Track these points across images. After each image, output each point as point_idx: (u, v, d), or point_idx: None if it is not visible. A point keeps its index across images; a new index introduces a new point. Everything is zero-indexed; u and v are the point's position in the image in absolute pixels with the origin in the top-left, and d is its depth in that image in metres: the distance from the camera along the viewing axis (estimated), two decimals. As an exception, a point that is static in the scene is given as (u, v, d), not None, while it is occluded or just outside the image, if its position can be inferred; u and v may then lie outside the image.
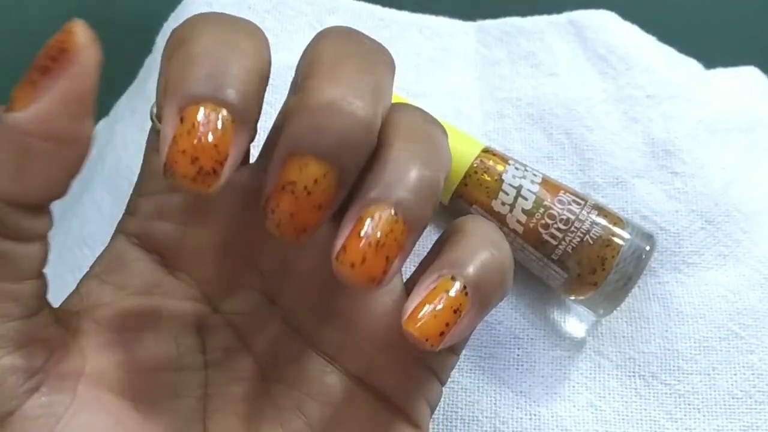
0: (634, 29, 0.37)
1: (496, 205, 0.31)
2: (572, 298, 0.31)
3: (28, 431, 0.17)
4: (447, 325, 0.19)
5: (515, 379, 0.31)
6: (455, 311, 0.19)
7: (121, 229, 0.21)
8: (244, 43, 0.17)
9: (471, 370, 0.31)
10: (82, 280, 0.21)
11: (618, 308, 0.31)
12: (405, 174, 0.18)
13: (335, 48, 0.19)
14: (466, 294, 0.19)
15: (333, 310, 0.22)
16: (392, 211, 0.18)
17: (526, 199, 0.30)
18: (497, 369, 0.31)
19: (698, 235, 0.33)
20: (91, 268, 0.21)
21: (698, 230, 0.33)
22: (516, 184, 0.31)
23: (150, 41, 0.38)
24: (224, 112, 0.16)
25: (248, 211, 0.20)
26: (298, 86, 0.18)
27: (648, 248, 0.30)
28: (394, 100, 0.20)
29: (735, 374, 0.31)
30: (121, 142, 0.36)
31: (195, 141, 0.16)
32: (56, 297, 0.20)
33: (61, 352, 0.19)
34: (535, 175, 0.31)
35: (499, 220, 0.31)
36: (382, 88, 0.19)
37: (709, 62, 0.37)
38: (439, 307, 0.19)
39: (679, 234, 0.33)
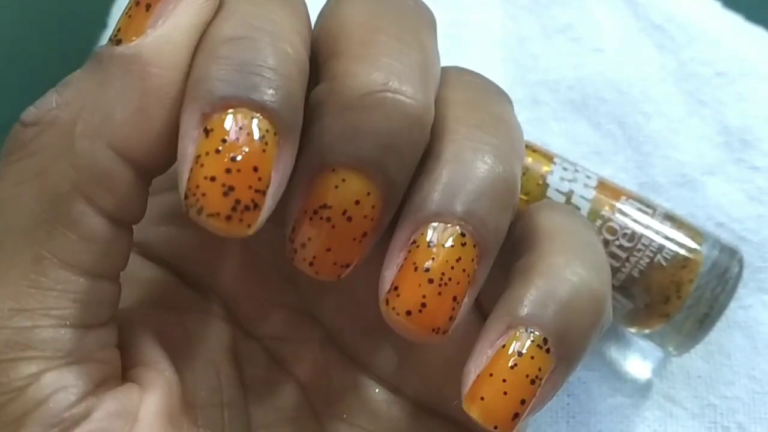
0: (695, -8, 0.32)
1: (539, 217, 0.24)
2: (635, 331, 0.25)
3: None
4: (522, 402, 0.15)
5: (566, 435, 0.26)
6: (533, 381, 0.15)
7: (137, 248, 0.19)
8: (283, 20, 0.15)
9: (510, 425, 0.26)
10: None
11: (696, 345, 0.25)
12: (471, 175, 0.15)
13: (364, 12, 0.16)
14: (549, 350, 0.15)
15: (382, 326, 0.18)
16: (459, 230, 0.15)
17: (578, 208, 0.24)
18: (542, 423, 0.26)
19: (787, 245, 0.28)
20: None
21: (787, 239, 0.28)
22: (565, 189, 0.24)
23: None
24: (263, 121, 0.13)
25: (277, 213, 0.16)
26: (321, 70, 0.15)
27: (736, 269, 0.24)
28: None
29: (841, 422, 0.26)
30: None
31: (229, 164, 0.13)
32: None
33: (119, 379, 0.16)
34: (588, 177, 0.25)
35: (544, 236, 0.25)
36: (431, 61, 0.15)
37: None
38: (510, 378, 0.15)
39: (764, 244, 0.28)
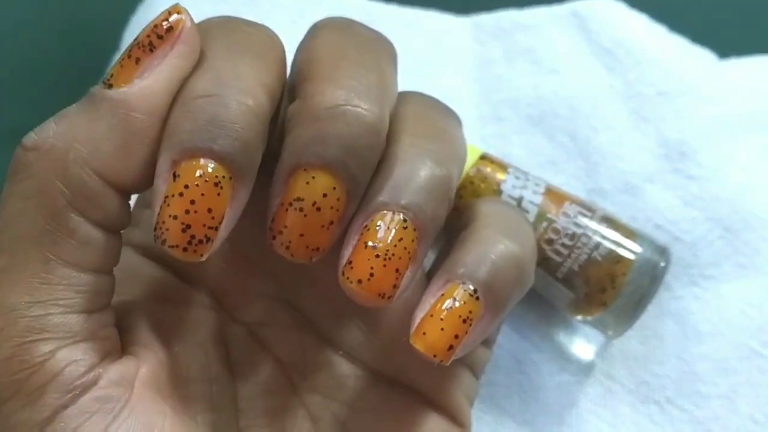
0: (643, 19, 0.34)
1: (494, 219, 0.28)
2: (579, 318, 0.29)
3: (83, 426, 0.16)
4: (456, 337, 0.17)
5: (517, 407, 0.29)
6: (465, 320, 0.17)
7: (126, 241, 0.20)
8: (250, 71, 0.17)
9: (470, 398, 0.29)
10: None
11: (630, 329, 0.28)
12: (414, 174, 0.17)
13: (332, 43, 0.18)
14: (477, 298, 0.18)
15: (354, 311, 0.21)
16: (402, 217, 0.17)
17: (527, 211, 0.28)
18: (497, 397, 0.29)
19: (716, 244, 0.30)
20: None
21: (716, 239, 0.30)
22: (516, 195, 0.28)
23: (118, 38, 0.35)
24: (220, 169, 0.16)
25: (258, 216, 0.19)
26: (296, 90, 0.18)
27: (663, 264, 0.27)
28: None
29: (757, 397, 0.29)
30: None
31: (188, 206, 0.16)
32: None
33: (118, 353, 0.18)
34: (537, 184, 0.28)
35: (498, 235, 0.28)
36: (387, 82, 0.18)
37: (724, 50, 0.34)
38: (446, 317, 0.17)
39: (696, 244, 0.30)
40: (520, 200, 0.28)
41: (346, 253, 0.17)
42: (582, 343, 0.30)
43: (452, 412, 0.21)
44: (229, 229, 0.16)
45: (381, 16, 0.34)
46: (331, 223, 0.17)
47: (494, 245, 0.18)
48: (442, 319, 0.17)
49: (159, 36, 0.16)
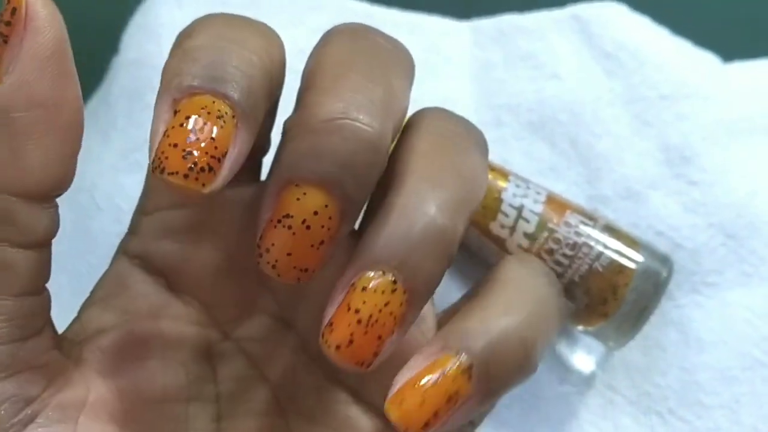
0: (645, 22, 0.33)
1: (494, 227, 0.28)
2: (580, 328, 0.28)
3: None
4: (435, 415, 0.16)
5: (517, 418, 0.29)
6: (449, 399, 0.16)
7: (123, 250, 0.20)
8: (251, 40, 0.16)
9: (470, 409, 0.29)
10: (82, 307, 0.19)
11: (632, 340, 0.28)
12: (412, 228, 0.16)
13: (340, 51, 0.17)
14: (470, 378, 0.16)
15: None
16: (391, 278, 0.15)
17: (528, 221, 0.27)
18: (497, 407, 0.28)
19: (719, 251, 0.30)
20: (92, 293, 0.19)
21: (719, 246, 0.30)
22: (517, 204, 0.28)
23: (116, 41, 0.35)
24: (223, 105, 0.15)
25: (255, 229, 0.18)
26: (297, 100, 0.17)
27: (665, 274, 0.27)
28: None
29: (760, 407, 0.29)
30: (82, 154, 0.33)
31: (189, 134, 0.15)
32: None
33: (62, 380, 0.17)
34: (538, 193, 0.28)
35: (498, 244, 0.28)
36: (394, 97, 0.16)
37: (728, 53, 0.34)
38: (429, 389, 0.16)
39: (698, 251, 0.30)
40: (520, 209, 0.27)
41: (329, 312, 0.16)
42: (583, 354, 0.30)
43: None
44: (233, 172, 0.15)
45: (382, 20, 0.34)
46: (322, 242, 0.16)
47: (504, 317, 0.17)
48: (425, 391, 0.16)
49: (7, 23, 0.14)
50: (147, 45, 0.31)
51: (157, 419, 0.19)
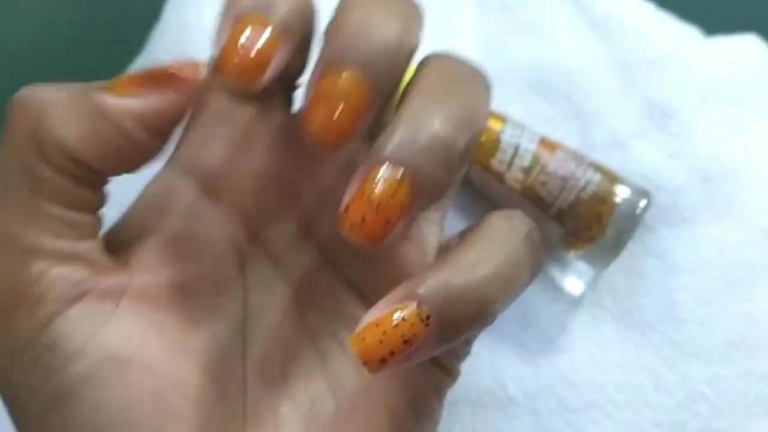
0: (633, -4, 0.37)
1: (494, 163, 0.32)
2: (571, 253, 0.32)
3: (72, 332, 0.19)
4: (392, 353, 0.17)
5: (514, 331, 0.33)
6: (406, 341, 0.17)
7: (168, 161, 0.22)
8: None
9: (474, 322, 0.33)
10: (128, 209, 0.22)
11: (616, 263, 0.32)
12: (417, 135, 0.18)
13: None
14: (427, 325, 0.17)
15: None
16: (400, 172, 0.17)
17: (523, 157, 0.32)
18: (496, 322, 0.32)
19: (695, 192, 0.34)
20: (138, 197, 0.22)
21: (695, 188, 0.34)
22: (513, 143, 0.32)
23: (157, 9, 0.39)
24: (271, 25, 0.18)
25: (290, 144, 0.21)
26: (330, 19, 0.19)
27: (644, 203, 0.31)
28: None
29: (731, 322, 0.32)
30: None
31: (243, 42, 0.18)
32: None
33: (108, 271, 0.20)
34: (532, 134, 0.32)
35: (497, 177, 0.32)
36: (414, 14, 0.19)
37: (709, 30, 0.38)
38: (388, 331, 0.17)
39: (677, 191, 0.34)
40: (517, 147, 0.32)
41: (345, 199, 0.18)
42: (573, 278, 0.34)
43: (441, 359, 0.22)
44: (274, 74, 0.18)
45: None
46: (357, 112, 0.18)
47: (463, 273, 0.18)
48: (384, 332, 0.17)
49: (167, 77, 0.18)
50: (188, 12, 0.36)
51: (191, 308, 0.21)
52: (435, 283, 0.17)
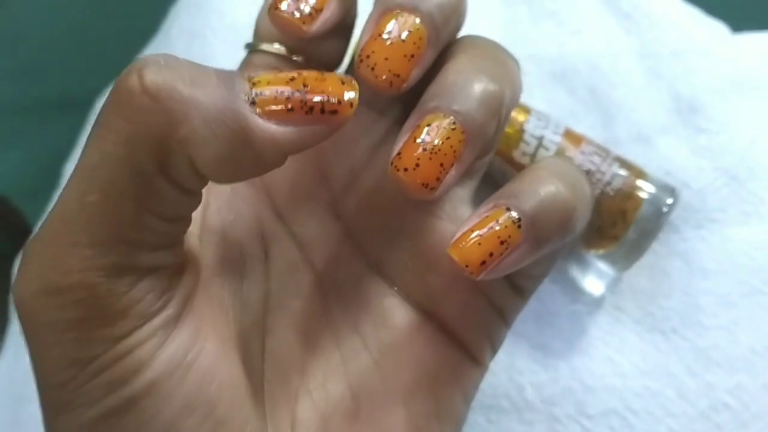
0: (661, -12, 0.36)
1: (516, 155, 0.31)
2: (592, 252, 0.31)
3: (149, 341, 0.17)
4: (491, 255, 0.18)
5: (532, 331, 0.31)
6: (502, 242, 0.18)
7: None
8: None
9: (489, 321, 0.31)
10: None
11: (639, 265, 0.30)
12: (467, 84, 0.18)
13: None
14: (519, 227, 0.18)
15: (397, 231, 0.22)
16: (451, 119, 0.18)
17: (547, 149, 0.30)
18: (516, 320, 0.31)
19: (722, 191, 0.33)
20: None
21: (722, 187, 0.33)
22: (538, 135, 0.31)
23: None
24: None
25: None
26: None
27: (670, 201, 0.30)
28: None
29: (758, 330, 0.31)
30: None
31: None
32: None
33: (182, 272, 0.19)
34: (558, 126, 0.31)
35: (519, 170, 0.31)
36: None
37: (736, 27, 0.37)
38: (485, 234, 0.18)
39: (703, 190, 0.33)
40: (541, 139, 0.30)
41: (397, 146, 0.18)
42: (594, 279, 0.32)
43: (470, 348, 0.22)
44: (325, 24, 0.19)
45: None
46: (413, 56, 0.18)
47: (547, 185, 0.19)
48: (481, 235, 0.18)
49: (322, 110, 0.17)
50: None
51: (225, 297, 0.20)
52: (523, 191, 0.19)
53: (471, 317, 0.21)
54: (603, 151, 0.31)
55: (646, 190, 0.30)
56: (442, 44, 0.19)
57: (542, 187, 0.19)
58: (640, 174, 0.30)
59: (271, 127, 0.16)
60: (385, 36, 0.18)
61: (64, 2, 0.44)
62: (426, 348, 0.21)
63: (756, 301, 0.31)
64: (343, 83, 0.17)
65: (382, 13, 0.19)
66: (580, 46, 0.35)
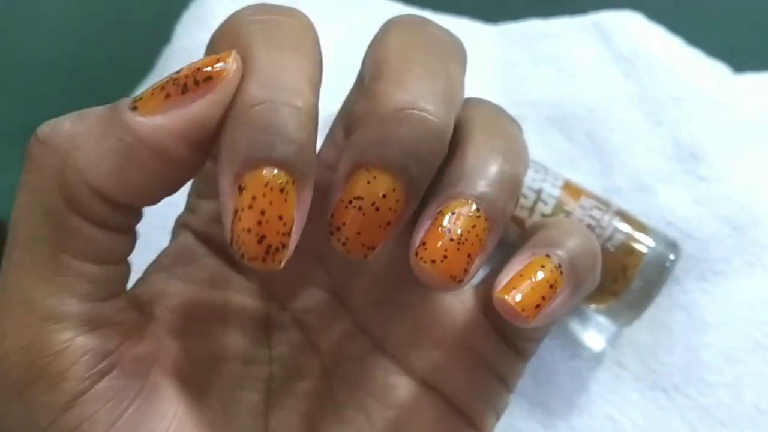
0: (660, 31, 0.36)
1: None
2: (592, 307, 0.30)
3: (98, 413, 0.17)
4: (543, 298, 0.18)
5: (531, 388, 0.31)
6: (551, 286, 0.18)
7: (183, 224, 0.21)
8: (292, 64, 0.16)
9: (487, 378, 0.31)
10: (148, 269, 0.21)
11: (639, 318, 0.30)
12: (486, 168, 0.18)
13: (403, 43, 0.18)
14: (561, 272, 0.18)
15: (401, 308, 0.21)
16: (475, 207, 0.17)
17: (546, 203, 0.30)
18: None
19: (725, 242, 0.32)
20: (158, 258, 0.21)
21: (725, 237, 0.32)
22: (536, 188, 0.30)
23: (169, 31, 0.38)
24: (283, 174, 0.15)
25: (313, 206, 0.18)
26: (364, 88, 0.18)
27: (672, 257, 0.29)
28: None
29: (762, 386, 0.30)
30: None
31: (259, 217, 0.15)
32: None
33: (137, 337, 0.18)
34: (556, 178, 0.30)
35: (518, 224, 0.30)
36: (455, 88, 0.18)
37: (738, 66, 0.36)
38: (536, 280, 0.18)
39: (706, 241, 0.32)
40: (539, 192, 0.30)
41: (419, 236, 0.17)
42: (594, 333, 0.31)
43: (474, 418, 0.21)
44: (300, 232, 0.16)
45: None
46: (389, 223, 0.17)
47: (576, 235, 0.19)
48: (533, 280, 0.18)
49: (196, 82, 0.16)
50: (200, 35, 0.34)
51: (217, 376, 0.20)
52: (557, 240, 0.19)
53: (474, 388, 0.21)
54: (603, 204, 0.30)
55: (647, 245, 0.29)
56: (424, 189, 0.18)
57: (573, 237, 0.19)
58: (641, 228, 0.30)
59: (155, 119, 0.16)
60: (355, 205, 0.17)
61: (62, 29, 0.43)
62: (430, 423, 0.21)
63: (760, 357, 0.30)
64: (218, 60, 0.16)
65: (352, 169, 0.17)
66: (577, 90, 0.35)
